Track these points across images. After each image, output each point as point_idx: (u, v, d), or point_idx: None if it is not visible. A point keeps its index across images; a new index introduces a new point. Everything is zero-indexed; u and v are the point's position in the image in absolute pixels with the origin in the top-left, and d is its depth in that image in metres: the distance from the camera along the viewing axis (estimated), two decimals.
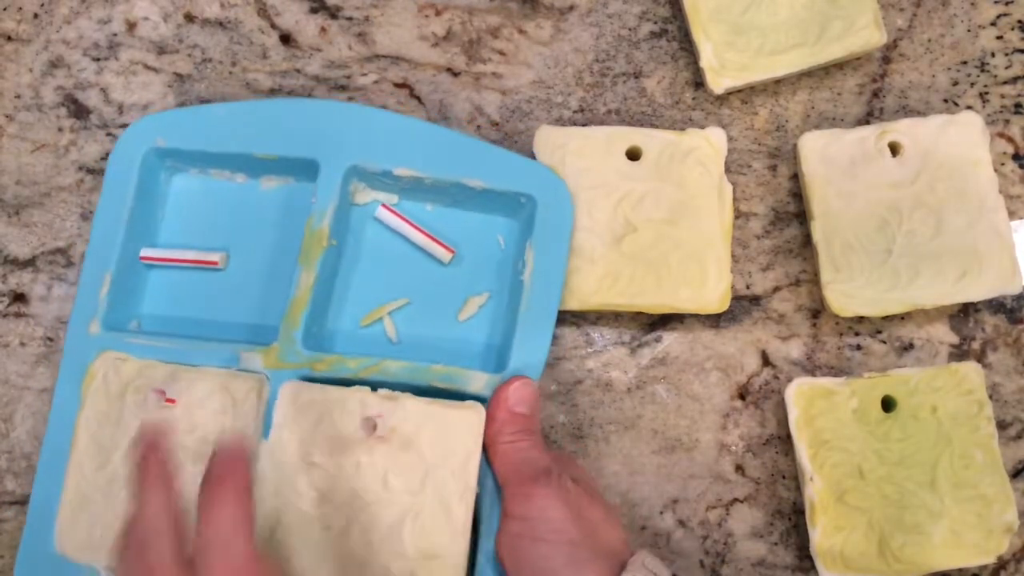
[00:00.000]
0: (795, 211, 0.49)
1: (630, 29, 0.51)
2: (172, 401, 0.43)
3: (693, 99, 0.50)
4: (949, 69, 0.50)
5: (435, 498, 0.41)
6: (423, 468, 0.41)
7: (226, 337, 0.46)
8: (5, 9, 0.52)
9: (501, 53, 0.51)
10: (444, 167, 0.45)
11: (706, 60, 0.48)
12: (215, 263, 0.47)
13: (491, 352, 0.46)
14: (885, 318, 0.48)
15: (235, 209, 0.48)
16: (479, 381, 0.43)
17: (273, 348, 0.44)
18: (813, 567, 0.44)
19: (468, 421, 0.41)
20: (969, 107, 0.50)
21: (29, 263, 0.49)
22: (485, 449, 0.42)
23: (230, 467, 0.34)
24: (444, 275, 0.47)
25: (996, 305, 0.48)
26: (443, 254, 0.47)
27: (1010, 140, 0.50)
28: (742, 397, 0.47)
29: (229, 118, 0.47)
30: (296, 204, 0.47)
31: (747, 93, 0.50)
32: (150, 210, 0.48)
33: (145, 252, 0.47)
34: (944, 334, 0.48)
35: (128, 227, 0.46)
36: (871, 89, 0.50)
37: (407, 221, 0.47)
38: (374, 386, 0.43)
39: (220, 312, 0.47)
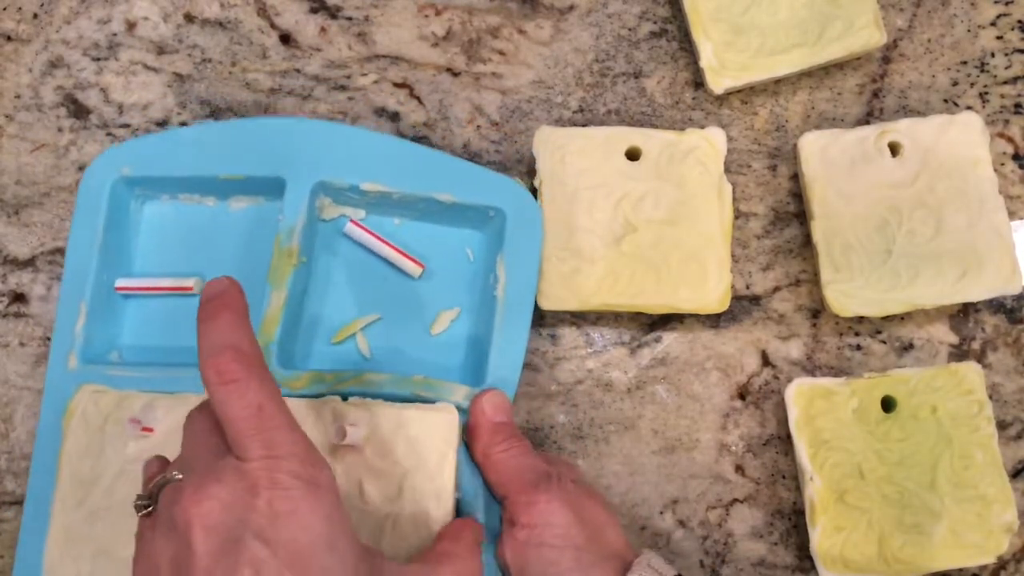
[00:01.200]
0: (795, 211, 0.49)
1: (630, 29, 0.51)
2: (149, 430, 0.43)
3: (693, 99, 0.50)
4: (949, 69, 0.50)
5: (413, 503, 0.40)
6: (399, 474, 0.41)
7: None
8: (5, 9, 0.52)
9: (501, 53, 0.51)
10: (412, 182, 0.45)
11: (706, 60, 0.48)
12: (189, 288, 0.47)
13: (467, 366, 0.46)
14: (885, 318, 0.48)
15: (206, 233, 0.48)
16: (460, 393, 0.43)
17: None
18: (813, 567, 0.44)
19: (441, 423, 0.41)
20: (969, 107, 0.50)
21: (29, 263, 0.49)
22: (474, 461, 0.42)
23: (217, 292, 0.34)
24: (414, 289, 0.47)
25: (996, 305, 0.48)
26: (413, 269, 0.46)
27: (1010, 140, 0.50)
28: (742, 397, 0.47)
29: (193, 141, 0.46)
30: (265, 223, 0.47)
31: (747, 93, 0.50)
32: (122, 240, 0.48)
33: (120, 282, 0.47)
34: (944, 334, 0.48)
35: (100, 259, 0.46)
36: (871, 89, 0.50)
37: (376, 236, 0.46)
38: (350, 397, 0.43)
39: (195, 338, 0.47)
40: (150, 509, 0.34)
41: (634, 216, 0.46)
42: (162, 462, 0.36)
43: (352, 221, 0.47)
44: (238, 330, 0.33)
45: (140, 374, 0.44)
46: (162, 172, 0.46)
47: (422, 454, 0.41)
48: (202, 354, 0.32)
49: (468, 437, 0.42)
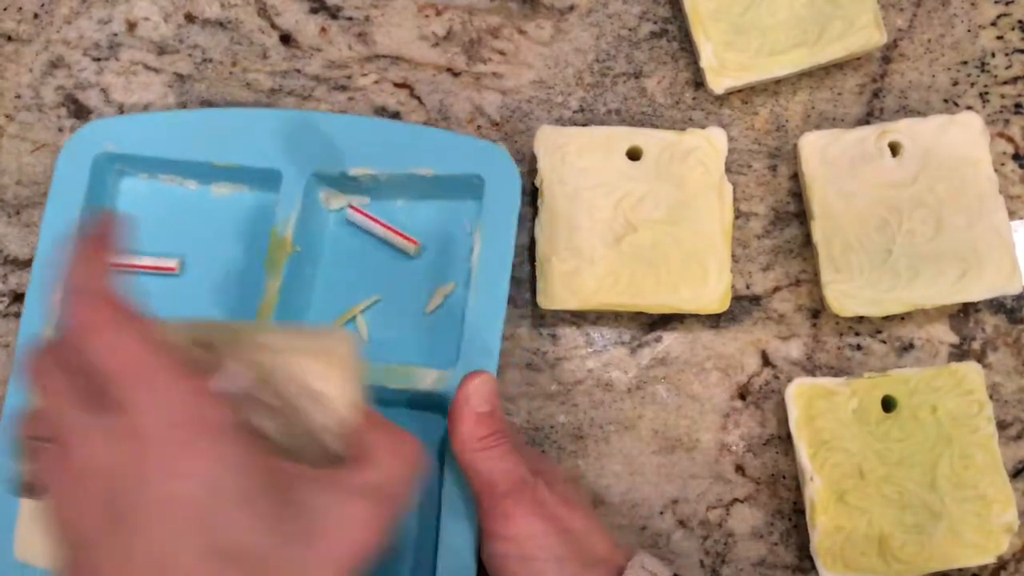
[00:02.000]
0: (795, 211, 0.49)
1: (630, 29, 0.51)
2: None
3: (693, 99, 0.50)
4: (949, 69, 0.50)
5: (308, 439, 0.40)
6: (291, 412, 0.40)
7: None
8: (5, 9, 0.52)
9: (501, 53, 0.51)
10: (392, 160, 0.46)
11: (706, 60, 0.48)
12: (172, 269, 0.47)
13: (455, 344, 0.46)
14: (885, 318, 0.48)
15: (187, 215, 0.48)
16: (428, 378, 0.43)
17: None
18: (813, 567, 0.44)
19: (335, 361, 0.36)
20: (969, 107, 0.50)
21: (29, 263, 0.49)
22: (452, 451, 0.40)
23: (97, 232, 0.32)
24: (414, 268, 0.47)
25: (996, 305, 0.48)
26: (408, 247, 0.47)
27: (1010, 140, 0.50)
28: (742, 397, 0.47)
29: (181, 125, 0.47)
30: (253, 211, 0.48)
31: (747, 93, 0.50)
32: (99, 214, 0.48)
33: None
34: (944, 334, 0.48)
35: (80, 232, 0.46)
36: (871, 89, 0.50)
37: (371, 218, 0.47)
38: None
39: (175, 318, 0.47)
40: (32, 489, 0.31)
41: (634, 216, 0.46)
42: (35, 420, 0.32)
43: (351, 207, 0.48)
44: (104, 272, 0.30)
45: None
46: (147, 152, 0.47)
47: (318, 396, 0.37)
48: (68, 298, 0.30)
49: (449, 425, 0.41)
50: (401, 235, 0.47)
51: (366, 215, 0.47)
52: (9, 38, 0.52)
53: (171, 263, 0.47)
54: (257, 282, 0.45)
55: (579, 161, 0.47)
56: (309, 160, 0.46)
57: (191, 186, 0.48)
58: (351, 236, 0.48)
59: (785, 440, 0.47)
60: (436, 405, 0.44)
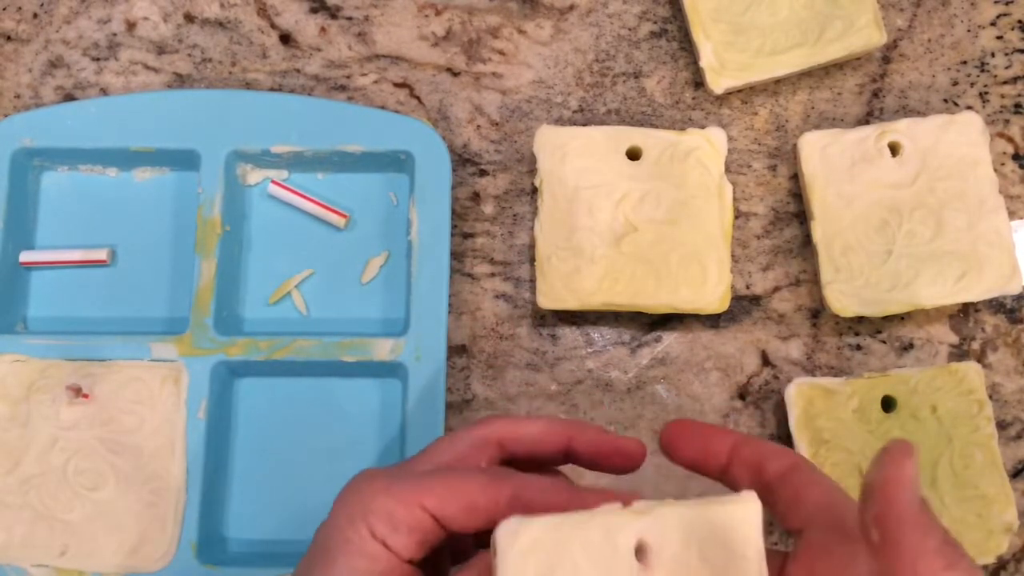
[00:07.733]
0: (795, 211, 0.49)
1: (630, 29, 0.51)
2: (86, 396, 0.44)
3: (693, 99, 0.50)
4: (949, 69, 0.50)
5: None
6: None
7: (126, 331, 0.46)
8: (5, 9, 0.52)
9: (501, 53, 0.51)
10: (319, 137, 0.46)
11: (706, 60, 0.48)
12: (103, 260, 0.47)
13: (398, 312, 0.47)
14: (885, 318, 0.48)
15: (112, 203, 0.48)
16: (384, 348, 0.44)
17: (186, 336, 0.44)
18: None
19: (742, 517, 0.31)
20: (969, 107, 0.50)
21: None
22: None
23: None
24: (344, 240, 0.48)
25: (996, 305, 0.48)
26: (337, 220, 0.48)
27: (1010, 140, 0.50)
28: (742, 397, 0.47)
29: (99, 113, 0.47)
30: (178, 193, 0.48)
31: (747, 93, 0.50)
32: (24, 212, 0.48)
33: (25, 256, 0.47)
34: (944, 334, 0.48)
35: (4, 233, 0.46)
36: (871, 89, 0.50)
37: (298, 193, 0.48)
38: (295, 369, 0.44)
39: (113, 308, 0.47)
40: None
41: (634, 216, 0.46)
42: None
43: (274, 182, 0.48)
44: None
45: (64, 342, 0.45)
46: (69, 143, 0.47)
47: (729, 558, 0.31)
48: None
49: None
50: (330, 209, 0.48)
51: (292, 191, 0.48)
52: (8, 38, 0.52)
53: (101, 254, 0.47)
54: (190, 265, 0.46)
55: (579, 161, 0.47)
56: (228, 138, 0.46)
57: (112, 174, 0.49)
58: (275, 210, 0.49)
59: (785, 440, 0.47)
60: (393, 372, 0.46)
